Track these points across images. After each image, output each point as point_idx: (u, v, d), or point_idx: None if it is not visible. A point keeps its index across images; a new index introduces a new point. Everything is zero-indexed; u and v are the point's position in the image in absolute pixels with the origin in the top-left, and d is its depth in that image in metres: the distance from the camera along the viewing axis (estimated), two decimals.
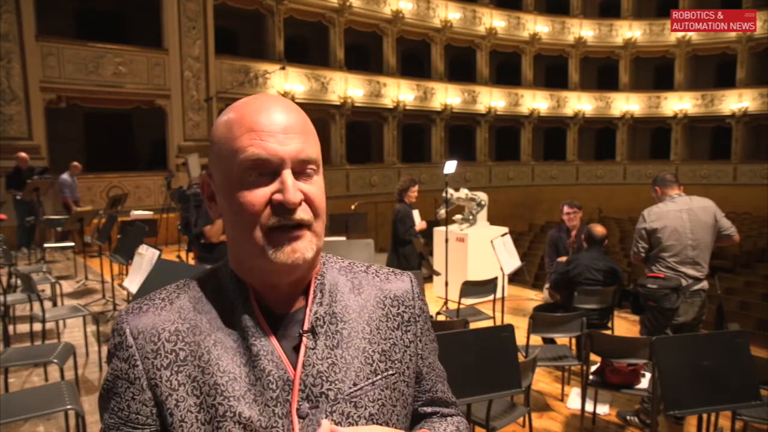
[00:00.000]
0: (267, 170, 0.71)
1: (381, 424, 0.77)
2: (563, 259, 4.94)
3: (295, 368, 0.74)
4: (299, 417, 0.72)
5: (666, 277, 3.56)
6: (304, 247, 0.72)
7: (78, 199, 9.60)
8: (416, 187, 5.97)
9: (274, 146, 0.71)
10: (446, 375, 0.93)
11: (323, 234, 0.77)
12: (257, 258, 0.72)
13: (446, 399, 0.92)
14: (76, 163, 9.65)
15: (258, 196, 0.71)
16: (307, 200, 0.73)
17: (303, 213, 0.72)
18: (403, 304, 0.85)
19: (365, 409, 0.76)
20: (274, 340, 0.74)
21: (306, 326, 0.76)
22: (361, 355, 0.78)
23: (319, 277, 0.81)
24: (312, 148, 0.74)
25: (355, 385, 0.76)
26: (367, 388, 0.77)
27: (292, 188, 0.71)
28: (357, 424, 0.75)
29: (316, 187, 0.75)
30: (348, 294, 0.82)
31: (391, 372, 0.80)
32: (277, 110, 0.73)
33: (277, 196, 0.71)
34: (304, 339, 0.75)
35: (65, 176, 9.45)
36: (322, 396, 0.74)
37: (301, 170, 0.73)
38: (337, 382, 0.75)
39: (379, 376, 0.78)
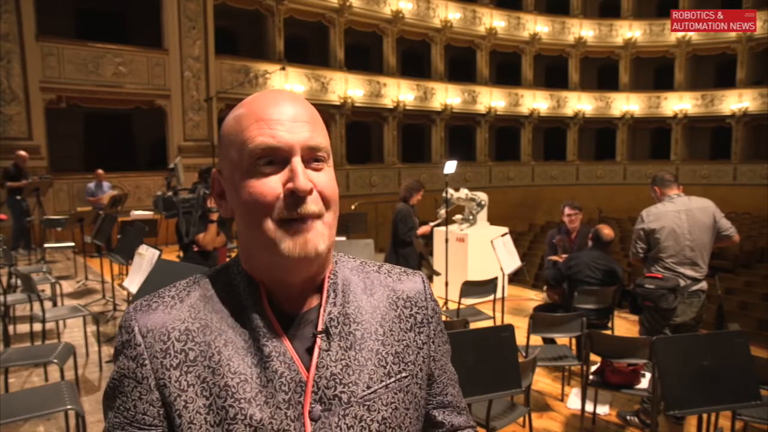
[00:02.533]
0: (277, 158, 0.71)
1: (393, 428, 0.76)
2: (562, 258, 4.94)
3: (308, 370, 0.73)
4: (311, 419, 0.71)
5: (663, 278, 3.56)
6: (316, 238, 0.71)
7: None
8: (422, 192, 5.95)
9: (282, 134, 0.70)
10: (458, 378, 0.91)
11: (336, 226, 0.76)
12: (268, 252, 0.71)
13: (457, 404, 0.89)
14: (99, 171, 10.06)
15: (269, 187, 0.70)
16: (318, 190, 0.72)
17: (313, 205, 0.71)
18: (416, 305, 0.84)
19: (378, 412, 0.75)
20: (286, 340, 0.73)
21: (320, 326, 0.75)
22: (375, 357, 0.77)
23: (332, 276, 0.79)
24: (321, 137, 0.74)
25: (368, 387, 0.75)
26: (381, 391, 0.76)
27: (302, 175, 0.70)
28: (370, 428, 0.74)
29: (326, 176, 0.74)
30: (360, 294, 0.80)
31: (404, 374, 0.79)
32: (285, 102, 0.73)
33: (288, 185, 0.70)
34: (318, 340, 0.74)
35: (89, 184, 10.01)
36: (336, 399, 0.72)
37: (310, 158, 0.73)
38: (350, 384, 0.74)
39: (393, 379, 0.77)
